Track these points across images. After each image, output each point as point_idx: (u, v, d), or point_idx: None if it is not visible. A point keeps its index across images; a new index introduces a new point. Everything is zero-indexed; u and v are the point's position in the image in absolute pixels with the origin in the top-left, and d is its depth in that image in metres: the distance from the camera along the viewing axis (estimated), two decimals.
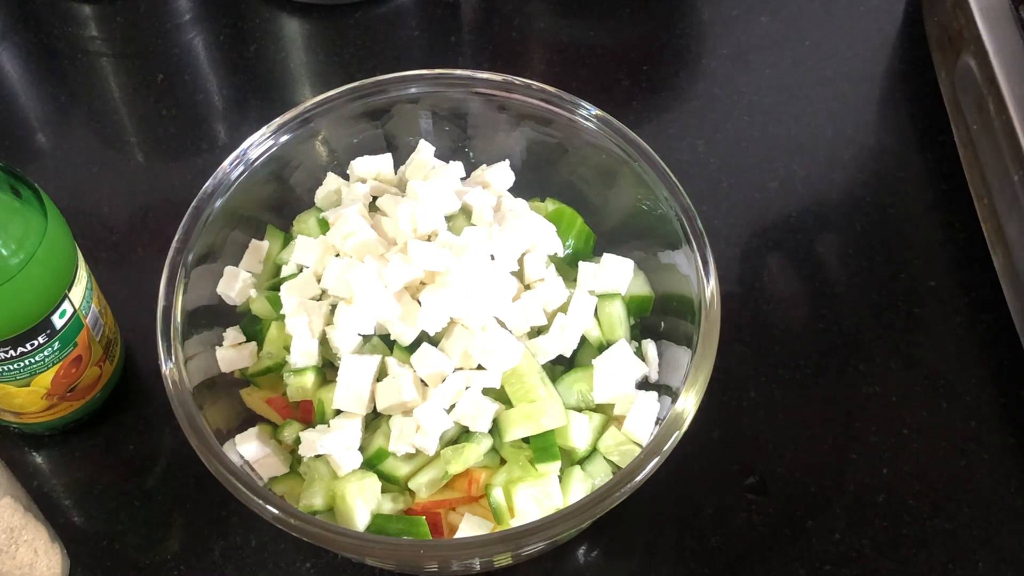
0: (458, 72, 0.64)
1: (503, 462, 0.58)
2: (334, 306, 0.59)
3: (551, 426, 0.56)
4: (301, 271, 0.61)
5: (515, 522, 0.56)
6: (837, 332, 0.69)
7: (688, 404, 0.54)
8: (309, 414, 0.59)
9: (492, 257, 0.59)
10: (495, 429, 0.57)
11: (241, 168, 0.62)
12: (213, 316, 0.62)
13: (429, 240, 0.59)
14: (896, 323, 0.69)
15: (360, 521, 0.55)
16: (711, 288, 0.57)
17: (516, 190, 0.65)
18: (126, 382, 0.66)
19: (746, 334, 0.68)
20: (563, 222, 0.63)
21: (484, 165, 0.66)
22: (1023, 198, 0.64)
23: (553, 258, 0.62)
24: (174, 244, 0.59)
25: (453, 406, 0.56)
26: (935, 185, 0.74)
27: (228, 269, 0.62)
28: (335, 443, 0.56)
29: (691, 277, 0.58)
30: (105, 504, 0.63)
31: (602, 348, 0.60)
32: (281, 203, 0.66)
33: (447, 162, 0.65)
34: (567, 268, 0.63)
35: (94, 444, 0.65)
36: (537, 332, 0.59)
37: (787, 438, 0.65)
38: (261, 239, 0.64)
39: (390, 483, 0.57)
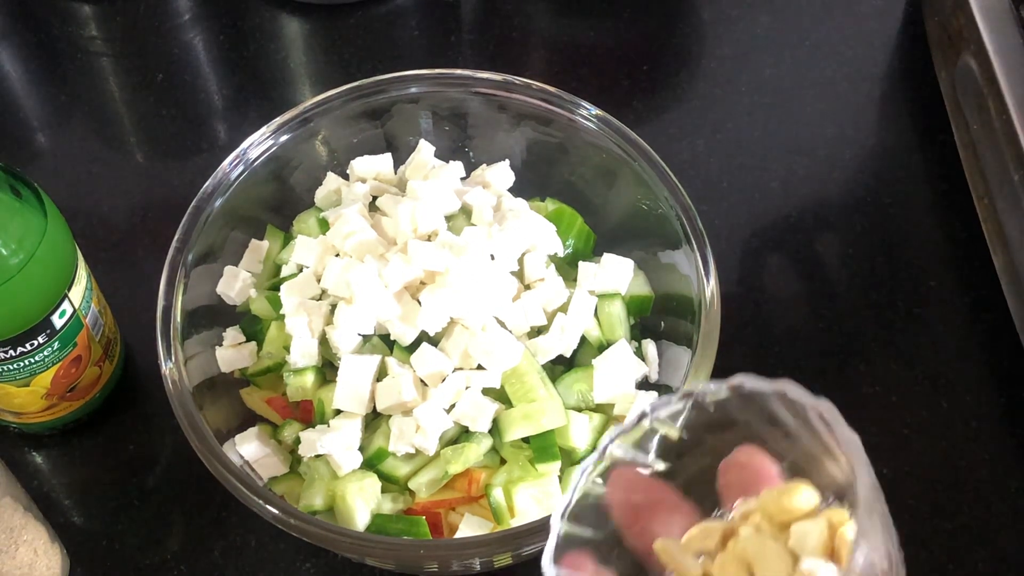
0: (458, 72, 0.64)
1: (503, 462, 0.58)
2: (334, 306, 0.59)
3: (551, 426, 0.56)
4: (301, 271, 0.61)
5: (515, 522, 0.56)
6: (837, 332, 0.69)
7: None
8: (309, 414, 0.59)
9: (492, 257, 0.59)
10: (495, 429, 0.57)
11: (241, 168, 0.62)
12: (213, 316, 0.62)
13: (429, 240, 0.59)
14: (896, 323, 0.69)
15: (360, 521, 0.55)
16: (711, 288, 0.57)
17: (516, 190, 0.65)
18: (126, 382, 0.66)
19: (746, 334, 0.68)
20: (563, 222, 0.63)
21: (484, 165, 0.66)
22: None
23: (553, 258, 0.62)
24: (174, 244, 0.59)
25: (453, 406, 0.56)
26: (935, 185, 0.74)
27: (228, 269, 0.62)
28: (335, 443, 0.56)
29: (691, 277, 0.58)
30: (105, 504, 0.63)
31: (602, 348, 0.60)
32: (281, 203, 0.66)
33: (447, 162, 0.65)
34: (567, 268, 0.63)
35: (94, 444, 0.65)
36: (537, 332, 0.59)
37: None
38: (261, 239, 0.64)
39: (390, 483, 0.57)
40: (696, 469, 0.39)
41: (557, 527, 0.38)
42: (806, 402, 0.35)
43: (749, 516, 0.36)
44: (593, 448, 0.58)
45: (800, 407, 0.35)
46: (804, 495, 0.35)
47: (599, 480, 0.39)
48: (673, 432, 0.39)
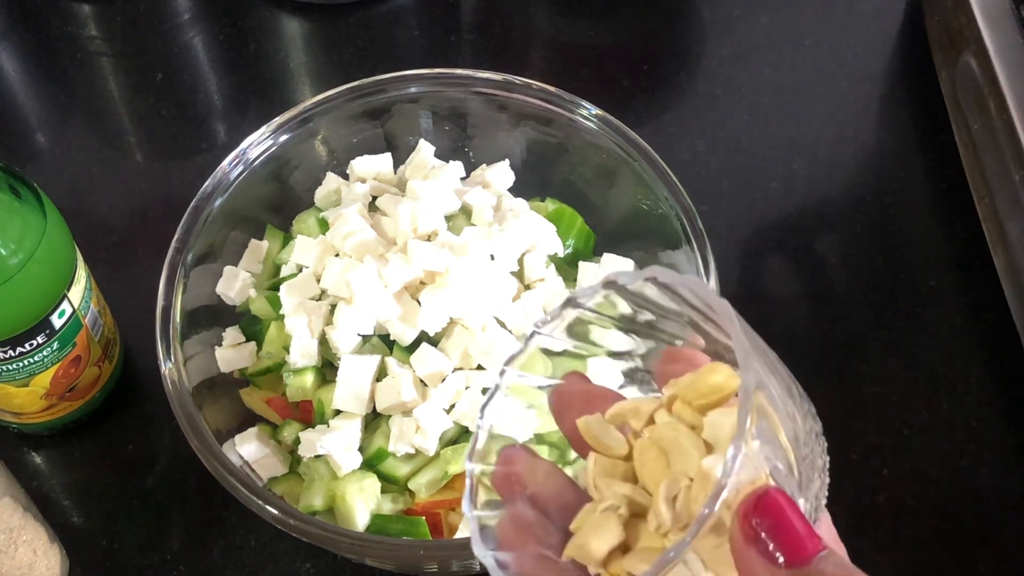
0: (458, 72, 0.64)
1: None
2: (334, 306, 0.59)
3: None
4: (301, 271, 0.61)
5: None
6: (837, 332, 0.69)
7: None
8: (309, 414, 0.59)
9: (492, 257, 0.59)
10: None
11: (241, 168, 0.62)
12: (213, 316, 0.62)
13: (429, 240, 0.59)
14: (896, 323, 0.69)
15: (360, 521, 0.55)
16: (711, 288, 0.57)
17: (516, 190, 0.65)
18: (125, 382, 0.66)
19: None
20: (563, 222, 0.63)
21: (484, 165, 0.66)
22: None
23: (553, 258, 0.62)
24: (173, 244, 0.59)
25: (453, 406, 0.56)
26: (935, 185, 0.74)
27: (228, 269, 0.62)
28: (335, 443, 0.56)
29: None
30: (105, 504, 0.63)
31: None
32: (281, 203, 0.66)
33: (447, 162, 0.64)
34: (567, 268, 0.63)
35: (94, 444, 0.65)
36: None
37: None
38: (261, 239, 0.64)
39: (390, 483, 0.57)
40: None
41: (481, 424, 0.37)
42: (707, 298, 0.34)
43: (673, 401, 0.35)
44: None
45: (707, 303, 0.34)
46: (718, 376, 0.34)
47: (523, 374, 0.38)
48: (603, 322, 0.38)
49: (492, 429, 0.38)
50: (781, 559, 0.30)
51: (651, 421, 0.35)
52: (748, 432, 0.30)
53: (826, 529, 0.35)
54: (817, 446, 0.34)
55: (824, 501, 0.34)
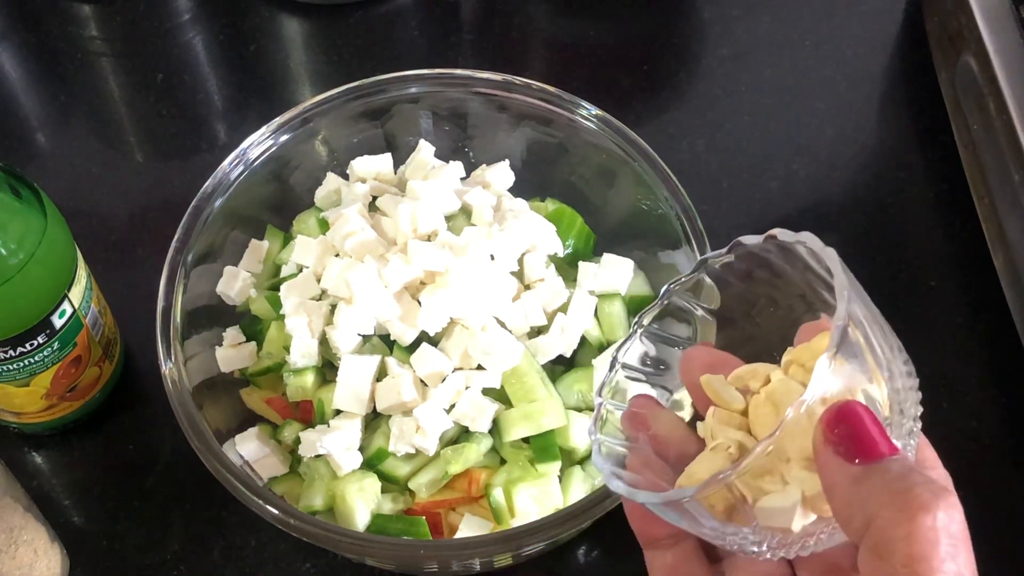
0: (458, 72, 0.64)
1: (503, 462, 0.58)
2: (334, 306, 0.59)
3: (551, 426, 0.56)
4: (301, 271, 0.61)
5: (515, 522, 0.56)
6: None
7: (688, 403, 0.54)
8: (309, 414, 0.59)
9: (492, 257, 0.59)
10: (495, 429, 0.57)
11: (241, 168, 0.62)
12: (213, 316, 0.62)
13: (429, 240, 0.59)
14: (896, 323, 0.69)
15: (360, 521, 0.55)
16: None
17: (516, 190, 0.65)
18: (126, 382, 0.66)
19: None
20: (563, 222, 0.63)
21: (484, 165, 0.66)
22: None
23: (553, 258, 0.62)
24: (174, 244, 0.59)
25: (453, 406, 0.56)
26: (935, 185, 0.74)
27: (228, 269, 0.62)
28: (335, 443, 0.56)
29: None
30: (105, 504, 0.63)
31: (602, 348, 0.60)
32: (281, 203, 0.66)
33: (447, 162, 0.65)
34: (567, 268, 0.63)
35: (94, 444, 0.65)
36: (537, 332, 0.59)
37: None
38: (261, 239, 0.64)
39: (390, 483, 0.57)
40: (767, 324, 0.42)
41: (614, 365, 0.41)
42: (817, 251, 0.37)
43: (790, 365, 0.38)
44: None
45: (819, 258, 0.37)
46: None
47: (655, 327, 0.42)
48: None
49: (621, 370, 0.41)
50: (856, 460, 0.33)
51: (767, 381, 0.38)
52: (836, 348, 0.33)
53: (927, 446, 0.39)
54: (911, 396, 0.38)
55: (915, 441, 0.38)
